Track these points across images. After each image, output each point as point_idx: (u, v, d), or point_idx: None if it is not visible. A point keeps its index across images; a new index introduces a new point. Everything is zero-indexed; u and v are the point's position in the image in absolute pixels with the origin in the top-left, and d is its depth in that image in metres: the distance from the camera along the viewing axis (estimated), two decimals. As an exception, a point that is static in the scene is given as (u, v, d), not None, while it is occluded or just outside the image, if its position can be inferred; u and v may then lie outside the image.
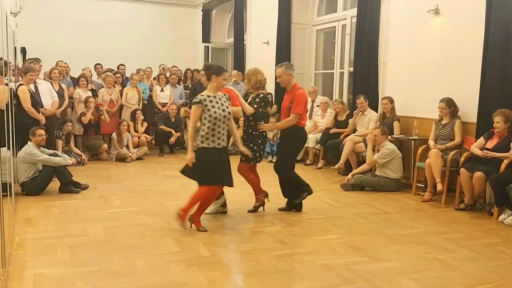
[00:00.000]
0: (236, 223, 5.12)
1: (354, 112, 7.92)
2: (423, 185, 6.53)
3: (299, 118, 5.35)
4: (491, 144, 5.67)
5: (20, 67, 8.31)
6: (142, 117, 9.57)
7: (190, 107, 4.96)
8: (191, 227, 4.77)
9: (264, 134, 5.46)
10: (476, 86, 6.09)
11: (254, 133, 5.37)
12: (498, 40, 5.76)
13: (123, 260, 3.99)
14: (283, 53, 10.09)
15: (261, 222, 5.22)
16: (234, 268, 3.90)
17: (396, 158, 6.68)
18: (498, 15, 5.75)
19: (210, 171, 4.70)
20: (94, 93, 9.49)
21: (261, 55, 10.98)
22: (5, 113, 4.71)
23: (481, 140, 5.81)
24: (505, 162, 5.36)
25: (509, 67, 5.71)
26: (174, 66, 11.52)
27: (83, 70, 10.33)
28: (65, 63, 9.85)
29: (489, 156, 5.55)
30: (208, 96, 4.71)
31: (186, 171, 4.83)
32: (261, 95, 5.44)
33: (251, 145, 5.33)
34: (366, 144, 7.36)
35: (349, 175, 6.91)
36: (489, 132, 5.73)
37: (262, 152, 5.43)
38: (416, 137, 6.82)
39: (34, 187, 6.22)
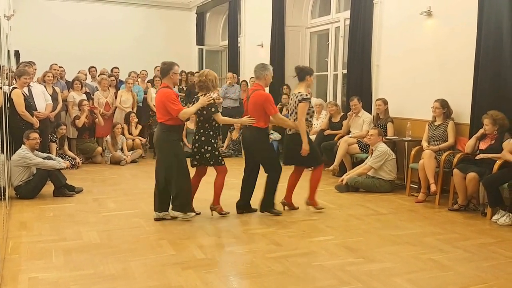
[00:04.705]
0: (231, 225, 5.12)
1: (348, 113, 7.94)
2: (417, 186, 6.56)
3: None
4: (484, 145, 5.71)
5: (14, 70, 8.29)
6: (136, 120, 9.57)
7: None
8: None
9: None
10: (468, 87, 6.13)
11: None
12: (490, 42, 5.80)
13: (118, 263, 3.98)
14: (277, 56, 10.11)
15: (256, 224, 5.23)
16: (230, 270, 3.91)
17: (390, 159, 6.71)
18: (490, 17, 5.79)
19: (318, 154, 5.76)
20: (88, 96, 9.47)
21: (255, 57, 10.96)
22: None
23: (472, 141, 5.87)
24: (498, 162, 5.40)
25: (501, 68, 5.74)
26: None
27: (78, 73, 10.31)
28: (60, 67, 9.84)
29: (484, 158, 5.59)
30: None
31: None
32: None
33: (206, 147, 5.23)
34: (360, 146, 7.41)
35: (344, 176, 6.94)
36: (483, 134, 5.77)
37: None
38: (409, 138, 6.85)
39: (28, 190, 6.19)
